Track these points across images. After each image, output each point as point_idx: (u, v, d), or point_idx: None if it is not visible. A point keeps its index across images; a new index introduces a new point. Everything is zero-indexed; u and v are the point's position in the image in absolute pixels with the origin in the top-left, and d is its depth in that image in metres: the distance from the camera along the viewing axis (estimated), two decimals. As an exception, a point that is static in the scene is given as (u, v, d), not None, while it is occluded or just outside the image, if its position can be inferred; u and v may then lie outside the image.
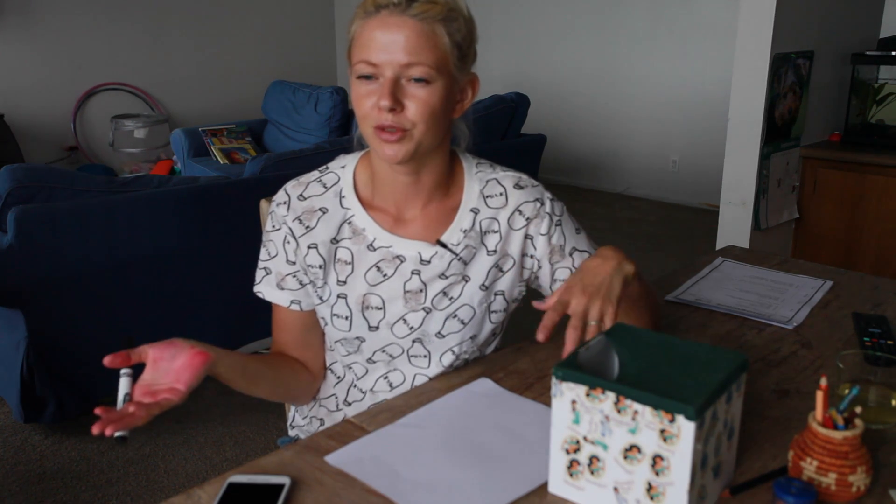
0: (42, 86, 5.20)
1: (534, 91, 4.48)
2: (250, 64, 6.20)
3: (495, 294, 1.16)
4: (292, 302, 1.15)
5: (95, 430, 0.84)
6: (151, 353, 0.94)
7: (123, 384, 0.91)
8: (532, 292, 1.23)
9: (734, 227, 2.97)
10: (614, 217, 5.02)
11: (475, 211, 1.14)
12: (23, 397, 2.30)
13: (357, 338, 1.14)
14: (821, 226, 3.17)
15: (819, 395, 0.85)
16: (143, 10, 5.56)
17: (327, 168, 1.17)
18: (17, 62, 5.07)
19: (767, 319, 1.34)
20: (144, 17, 5.57)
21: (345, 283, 1.12)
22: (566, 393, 0.82)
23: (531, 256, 1.17)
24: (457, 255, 1.13)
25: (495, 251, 1.15)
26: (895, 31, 3.37)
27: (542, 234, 1.16)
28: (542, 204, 1.16)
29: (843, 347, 1.23)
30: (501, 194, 1.16)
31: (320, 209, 1.13)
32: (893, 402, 1.01)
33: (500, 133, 3.66)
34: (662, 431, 0.76)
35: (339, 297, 1.12)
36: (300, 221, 1.12)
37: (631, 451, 0.79)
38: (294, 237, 1.12)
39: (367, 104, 1.01)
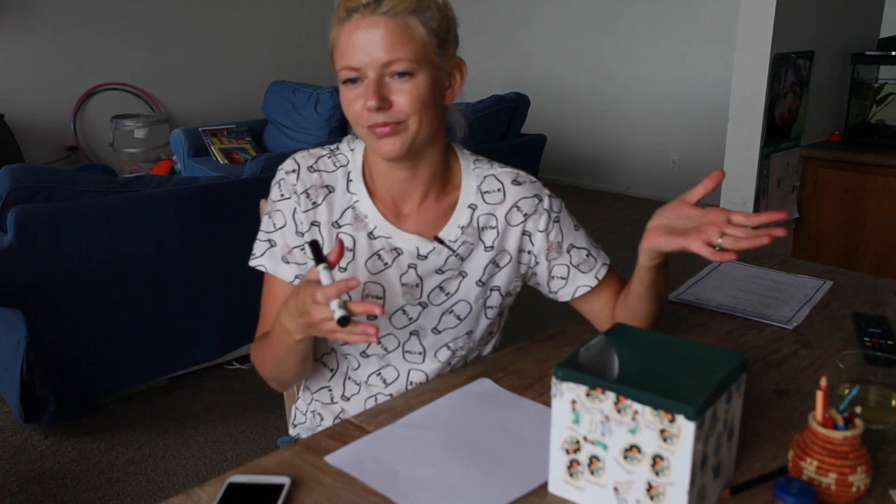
0: (42, 86, 5.20)
1: (534, 91, 4.48)
2: (250, 64, 6.20)
3: (491, 289, 1.16)
4: (296, 276, 1.12)
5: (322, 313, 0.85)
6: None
7: (326, 277, 0.88)
8: (529, 289, 1.23)
9: (734, 227, 2.96)
10: (614, 217, 5.02)
11: (473, 207, 1.14)
12: (23, 397, 2.30)
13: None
14: (821, 226, 3.17)
15: (819, 395, 0.85)
16: (143, 10, 5.55)
17: (337, 148, 1.16)
18: (17, 62, 5.06)
19: (767, 319, 1.34)
20: (144, 17, 5.57)
21: (345, 269, 1.12)
22: (566, 393, 0.82)
23: (528, 252, 1.17)
24: (454, 251, 1.13)
25: (492, 247, 1.15)
26: (895, 31, 3.37)
27: (539, 231, 1.16)
28: (541, 200, 1.16)
29: (843, 347, 1.23)
30: (499, 190, 1.16)
31: (327, 186, 1.12)
32: (893, 402, 1.01)
33: (500, 133, 3.66)
34: (662, 431, 0.76)
35: None
36: (307, 195, 1.11)
37: (631, 451, 0.79)
38: (301, 210, 1.11)
39: (356, 107, 1.02)
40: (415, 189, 1.12)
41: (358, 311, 0.85)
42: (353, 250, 1.12)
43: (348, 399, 1.20)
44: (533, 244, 1.17)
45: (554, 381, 0.83)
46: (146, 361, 2.58)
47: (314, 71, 6.60)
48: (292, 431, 1.32)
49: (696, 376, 0.82)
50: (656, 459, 0.78)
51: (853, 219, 3.07)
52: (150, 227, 2.43)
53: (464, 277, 1.14)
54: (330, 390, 1.22)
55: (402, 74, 1.00)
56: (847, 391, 0.92)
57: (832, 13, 3.01)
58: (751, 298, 1.44)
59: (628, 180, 5.61)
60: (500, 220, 1.15)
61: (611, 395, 0.79)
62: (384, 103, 1.00)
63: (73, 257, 2.29)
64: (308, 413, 1.26)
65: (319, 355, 1.22)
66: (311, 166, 1.13)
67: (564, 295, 1.20)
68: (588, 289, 1.18)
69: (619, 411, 0.79)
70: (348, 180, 1.13)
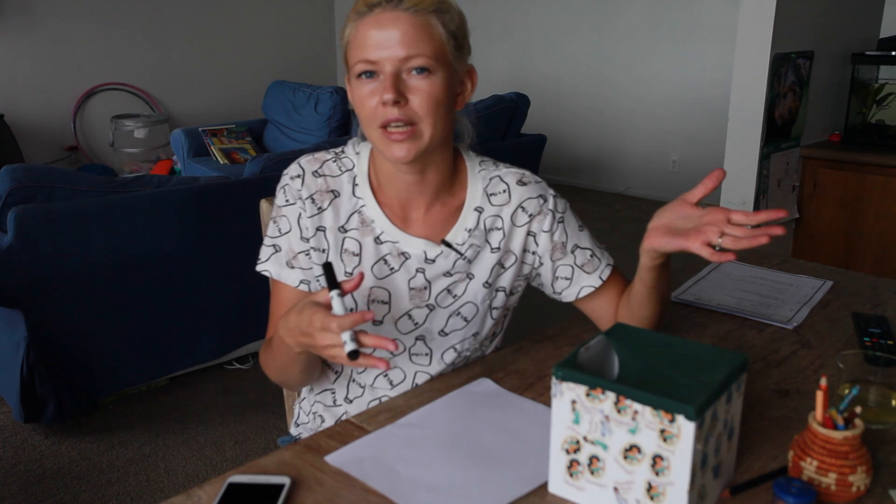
0: (42, 86, 5.20)
1: (534, 91, 4.48)
2: (250, 64, 6.20)
3: (497, 290, 1.16)
4: (301, 282, 1.13)
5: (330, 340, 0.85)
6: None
7: (338, 306, 0.87)
8: (529, 289, 1.23)
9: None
10: (614, 217, 5.02)
11: (479, 210, 1.14)
12: (23, 397, 2.30)
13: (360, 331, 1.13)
14: (821, 226, 3.17)
15: (819, 395, 0.85)
16: (143, 10, 5.56)
17: (343, 151, 1.16)
18: (17, 62, 5.06)
19: (767, 319, 1.34)
20: (144, 17, 5.57)
21: (351, 274, 1.11)
22: (566, 393, 0.82)
23: (533, 253, 1.17)
24: (462, 254, 1.13)
25: (499, 248, 1.15)
26: (895, 31, 3.37)
27: (544, 231, 1.16)
28: (546, 200, 1.16)
29: (843, 347, 1.23)
30: (505, 191, 1.16)
31: (332, 191, 1.12)
32: (893, 402, 1.01)
33: (500, 133, 3.66)
34: (662, 431, 0.76)
35: None
36: (312, 200, 1.11)
37: (631, 451, 0.79)
38: (306, 215, 1.11)
39: (371, 103, 1.01)
40: (423, 193, 1.12)
41: (369, 343, 0.86)
42: (359, 255, 1.12)
43: (351, 401, 1.20)
44: (537, 245, 1.17)
45: (554, 381, 0.83)
46: (146, 361, 2.58)
47: (314, 71, 6.62)
48: (294, 430, 1.31)
49: (696, 376, 0.82)
50: (656, 459, 0.78)
51: (853, 219, 3.07)
52: (150, 227, 2.42)
53: (471, 279, 1.14)
54: (333, 392, 1.22)
55: (420, 70, 1.00)
56: (847, 391, 0.92)
57: (832, 13, 3.01)
58: (751, 298, 1.44)
59: (628, 180, 5.61)
60: (506, 220, 1.15)
61: (611, 395, 0.79)
62: (401, 98, 0.99)
63: (73, 257, 2.29)
64: (310, 414, 1.26)
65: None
66: (316, 171, 1.12)
67: (568, 295, 1.20)
68: (592, 289, 1.18)
69: (619, 411, 0.79)
70: (354, 185, 1.13)
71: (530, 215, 1.15)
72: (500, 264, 1.15)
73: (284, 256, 1.13)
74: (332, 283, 0.89)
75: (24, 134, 5.02)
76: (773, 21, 2.69)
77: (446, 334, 1.14)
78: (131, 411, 2.56)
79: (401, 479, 0.88)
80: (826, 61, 3.09)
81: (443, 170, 1.12)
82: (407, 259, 1.12)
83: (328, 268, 0.91)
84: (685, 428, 0.75)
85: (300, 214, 1.11)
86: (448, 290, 1.13)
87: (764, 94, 2.78)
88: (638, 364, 0.87)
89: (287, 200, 1.12)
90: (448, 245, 1.12)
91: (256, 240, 1.19)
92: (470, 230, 1.13)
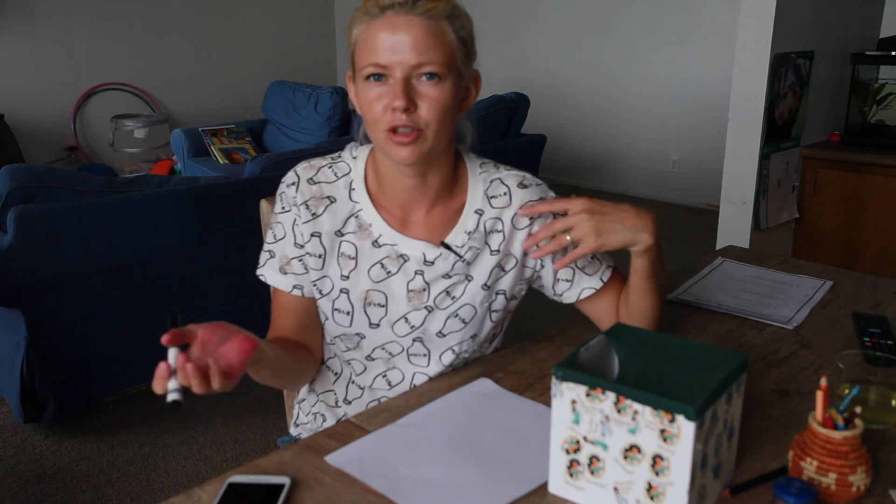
0: (42, 86, 5.20)
1: (534, 91, 4.48)
2: (250, 64, 6.20)
3: (496, 293, 1.16)
4: (294, 287, 1.14)
5: (158, 388, 0.85)
6: (201, 334, 0.92)
7: (172, 356, 0.88)
8: (529, 289, 1.23)
9: (734, 227, 2.97)
10: (614, 217, 5.02)
11: (479, 212, 1.14)
12: (23, 397, 2.30)
13: (357, 334, 1.14)
14: (821, 226, 3.17)
15: (819, 395, 0.85)
16: (143, 10, 5.56)
17: (339, 156, 1.16)
18: (17, 62, 5.07)
19: (767, 319, 1.34)
20: (144, 17, 5.57)
21: (348, 278, 1.12)
22: (566, 393, 0.82)
23: None
24: (461, 256, 1.12)
25: (498, 251, 1.15)
26: (895, 31, 3.37)
27: None
28: None
29: (843, 347, 1.23)
30: (505, 194, 1.16)
31: (328, 197, 1.12)
32: (893, 402, 1.01)
33: (500, 133, 3.66)
34: (662, 431, 0.76)
35: (341, 291, 1.12)
36: (307, 207, 1.11)
37: (631, 451, 0.79)
38: (301, 222, 1.11)
39: (378, 106, 1.01)
40: (424, 196, 1.12)
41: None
42: (355, 258, 1.12)
43: (350, 403, 1.21)
44: (538, 248, 1.16)
45: (554, 381, 0.83)
46: (146, 361, 2.55)
47: (314, 71, 6.62)
48: (293, 430, 1.32)
49: (696, 376, 0.82)
50: (656, 459, 0.78)
51: (853, 219, 3.07)
52: (150, 227, 2.43)
53: (469, 281, 1.14)
54: (334, 393, 1.22)
55: (430, 77, 0.99)
56: (847, 391, 0.92)
57: (832, 13, 3.01)
58: (751, 298, 1.44)
59: (628, 180, 5.61)
60: (507, 223, 1.15)
61: (611, 395, 0.79)
62: (410, 104, 0.99)
63: (73, 257, 2.29)
64: (311, 414, 1.26)
65: (324, 359, 1.23)
66: (311, 178, 1.13)
67: (569, 297, 1.20)
68: (593, 291, 1.18)
69: (619, 411, 0.79)
70: (350, 189, 1.13)
71: (531, 218, 1.15)
72: (500, 267, 1.15)
73: (278, 262, 1.14)
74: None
75: (24, 134, 5.02)
76: (772, 21, 2.69)
77: (444, 336, 1.14)
78: (131, 411, 2.56)
79: (401, 479, 0.88)
80: (826, 61, 3.09)
81: (444, 173, 1.12)
82: (406, 261, 1.12)
83: (174, 319, 0.92)
84: (685, 428, 0.75)
85: (295, 221, 1.12)
86: (447, 292, 1.13)
87: (764, 94, 2.78)
88: (638, 364, 0.87)
89: (283, 208, 1.13)
90: (447, 247, 1.12)
91: (256, 240, 1.20)
92: (470, 232, 1.13)
